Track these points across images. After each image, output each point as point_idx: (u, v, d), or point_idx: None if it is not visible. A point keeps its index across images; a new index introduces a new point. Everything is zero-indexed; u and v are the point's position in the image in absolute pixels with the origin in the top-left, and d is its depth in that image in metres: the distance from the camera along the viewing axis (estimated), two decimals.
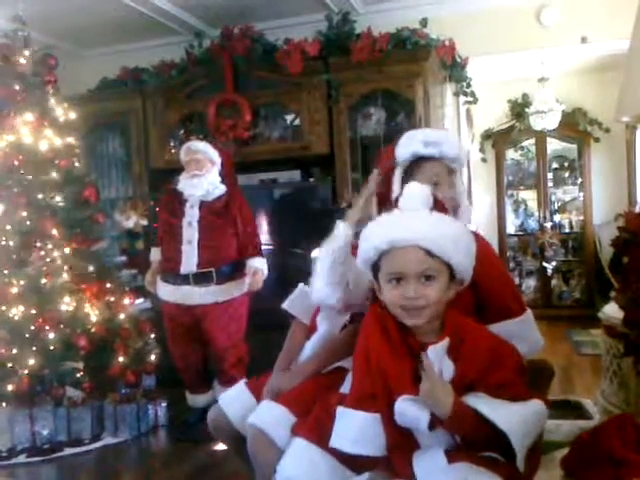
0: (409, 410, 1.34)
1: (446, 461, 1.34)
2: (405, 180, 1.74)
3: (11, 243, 3.46)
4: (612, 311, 2.45)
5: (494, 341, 1.44)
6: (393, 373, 1.40)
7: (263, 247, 3.64)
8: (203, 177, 3.42)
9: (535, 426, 1.33)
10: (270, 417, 1.68)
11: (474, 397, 1.33)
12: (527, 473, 1.36)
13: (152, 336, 3.79)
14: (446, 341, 1.38)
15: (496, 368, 1.36)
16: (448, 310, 1.44)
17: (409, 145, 1.78)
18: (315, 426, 1.56)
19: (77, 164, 3.75)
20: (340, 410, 1.50)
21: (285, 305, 2.07)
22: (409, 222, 1.42)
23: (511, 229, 6.87)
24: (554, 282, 6.67)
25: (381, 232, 1.43)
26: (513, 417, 1.30)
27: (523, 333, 1.62)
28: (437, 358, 1.36)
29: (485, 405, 1.30)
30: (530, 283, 6.73)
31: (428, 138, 1.75)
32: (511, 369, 1.38)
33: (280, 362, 1.98)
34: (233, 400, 1.89)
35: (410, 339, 1.42)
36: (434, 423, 1.33)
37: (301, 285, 2.08)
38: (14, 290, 3.40)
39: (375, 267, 1.46)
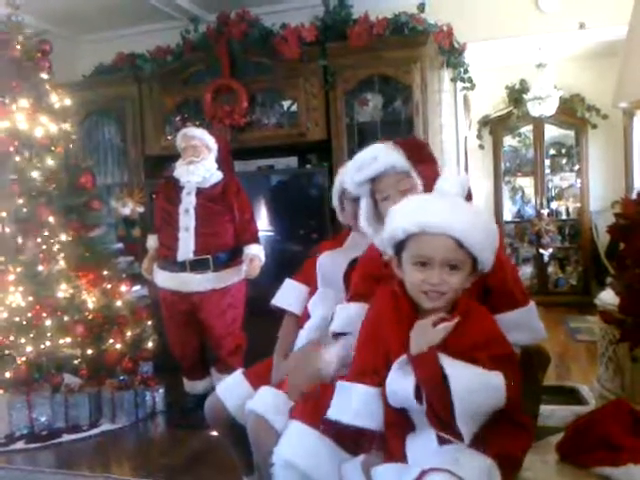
0: (397, 382, 1.36)
1: (437, 443, 1.35)
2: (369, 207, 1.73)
3: (7, 230, 3.45)
4: (608, 297, 2.46)
5: (493, 331, 1.44)
6: (397, 350, 1.40)
7: (260, 234, 3.63)
8: (200, 164, 3.41)
9: (482, 393, 1.32)
10: (269, 403, 1.69)
11: (445, 356, 1.34)
12: (514, 455, 1.38)
13: (149, 323, 3.81)
14: (457, 319, 1.39)
15: (483, 348, 1.37)
16: (460, 297, 1.45)
17: (345, 181, 1.79)
18: (313, 409, 1.57)
19: (73, 150, 3.73)
20: (340, 384, 1.51)
21: (274, 301, 2.09)
22: (443, 209, 1.40)
23: (508, 216, 6.87)
24: (550, 269, 6.69)
25: (413, 214, 1.40)
26: (462, 371, 1.31)
27: (528, 323, 1.62)
28: (441, 328, 1.38)
29: (447, 359, 1.33)
30: (526, 270, 6.74)
31: (357, 163, 1.72)
32: (492, 352, 1.38)
33: (277, 354, 1.99)
34: (230, 389, 1.90)
35: (419, 317, 1.43)
36: (421, 395, 1.33)
37: (288, 280, 2.10)
38: (11, 277, 3.40)
39: (399, 245, 1.45)
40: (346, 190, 1.94)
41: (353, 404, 1.46)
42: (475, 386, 1.31)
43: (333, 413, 1.49)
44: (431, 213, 1.39)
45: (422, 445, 1.37)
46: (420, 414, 1.37)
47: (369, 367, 1.48)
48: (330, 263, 1.96)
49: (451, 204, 1.42)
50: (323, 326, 1.88)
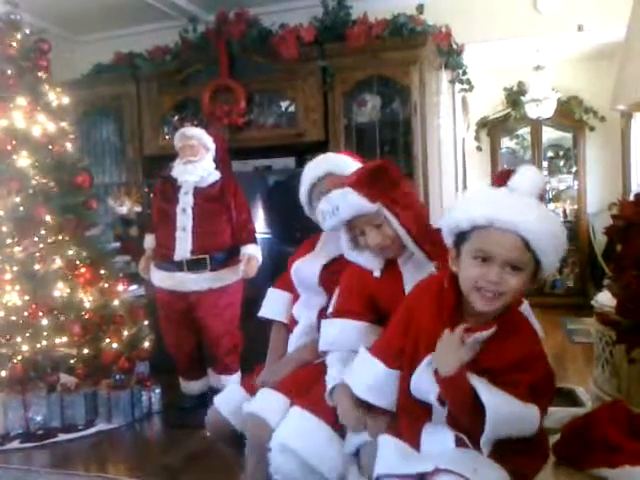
0: (423, 381, 1.35)
1: (454, 443, 1.35)
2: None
3: (4, 229, 3.44)
4: (605, 299, 2.46)
5: (535, 349, 1.39)
6: (428, 341, 1.38)
7: (257, 234, 3.63)
8: (197, 163, 3.41)
9: (518, 425, 1.30)
10: (268, 404, 1.69)
11: (477, 377, 1.30)
12: (529, 472, 1.37)
13: (146, 323, 3.80)
14: (490, 331, 1.32)
15: (518, 370, 1.33)
16: (511, 303, 1.38)
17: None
18: (313, 399, 1.57)
19: (70, 149, 3.72)
20: (363, 353, 1.52)
21: (260, 313, 2.09)
22: (516, 206, 1.31)
23: None
24: None
25: (483, 207, 1.32)
26: (500, 401, 1.28)
27: None
28: (473, 340, 1.32)
29: (481, 383, 1.29)
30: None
31: (320, 214, 1.73)
32: (531, 377, 1.34)
33: (268, 362, 1.99)
34: (228, 400, 1.89)
35: (462, 315, 1.39)
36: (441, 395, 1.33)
37: (271, 289, 2.10)
38: (7, 276, 3.39)
39: (461, 236, 1.37)
40: (314, 189, 1.93)
41: (368, 379, 1.48)
42: (511, 418, 1.28)
43: (347, 377, 1.52)
44: (502, 208, 1.30)
45: (439, 441, 1.37)
46: (438, 408, 1.37)
47: (394, 348, 1.48)
48: (303, 269, 1.96)
49: (524, 202, 1.32)
50: (310, 331, 1.90)
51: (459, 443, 1.35)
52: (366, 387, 1.49)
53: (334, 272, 1.86)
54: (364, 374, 1.50)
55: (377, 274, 1.69)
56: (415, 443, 1.39)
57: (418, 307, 1.47)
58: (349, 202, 1.62)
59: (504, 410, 1.27)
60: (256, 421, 1.67)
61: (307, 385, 1.68)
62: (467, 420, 1.31)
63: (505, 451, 1.32)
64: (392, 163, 1.80)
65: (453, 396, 1.31)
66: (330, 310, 1.78)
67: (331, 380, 1.59)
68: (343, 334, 1.66)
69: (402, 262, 1.68)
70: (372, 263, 1.69)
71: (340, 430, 1.55)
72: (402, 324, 1.50)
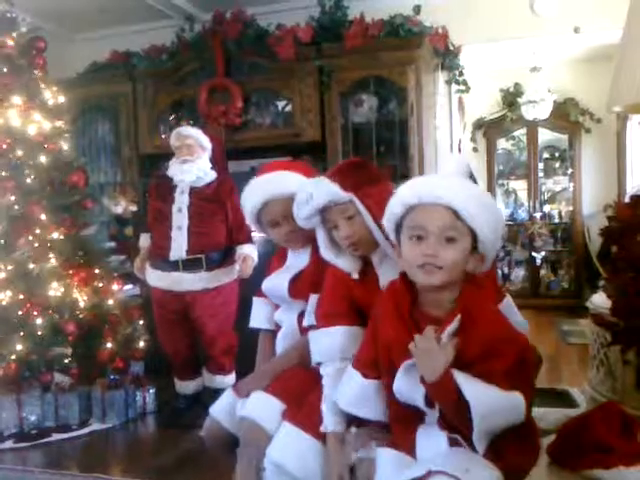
0: (405, 387, 1.35)
1: (447, 444, 1.35)
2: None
3: None
4: (600, 300, 2.47)
5: (504, 329, 1.39)
6: (396, 345, 1.39)
7: (253, 234, 3.62)
8: (193, 163, 3.40)
9: (504, 414, 1.30)
10: (261, 408, 1.68)
11: (460, 373, 1.30)
12: (522, 468, 1.37)
13: (141, 322, 3.79)
14: (456, 322, 1.34)
15: (495, 356, 1.33)
16: (464, 285, 1.40)
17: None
18: (306, 413, 1.56)
19: (66, 148, 3.71)
20: (348, 368, 1.54)
21: (251, 324, 2.10)
22: (441, 182, 1.40)
23: None
24: (543, 272, 6.71)
25: (411, 188, 1.40)
26: (481, 393, 1.28)
27: (509, 317, 1.62)
28: (446, 337, 1.33)
29: (464, 379, 1.29)
30: (519, 273, 6.77)
31: (295, 202, 1.71)
32: (510, 359, 1.33)
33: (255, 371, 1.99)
34: (224, 407, 1.88)
35: (420, 311, 1.41)
36: (431, 400, 1.33)
37: (255, 298, 2.11)
38: (2, 275, 3.38)
39: (399, 226, 1.43)
40: (260, 217, 1.93)
41: (350, 392, 1.49)
42: (496, 408, 1.28)
43: (337, 392, 1.53)
44: (429, 186, 1.38)
45: (432, 443, 1.37)
46: (431, 412, 1.37)
47: (368, 359, 1.49)
48: (272, 287, 1.97)
49: (449, 179, 1.42)
50: (292, 334, 1.91)
51: (453, 443, 1.35)
52: (349, 400, 1.49)
53: (303, 282, 1.88)
54: (347, 387, 1.51)
55: (355, 276, 1.68)
56: (411, 450, 1.39)
57: (381, 316, 1.49)
58: (322, 189, 1.63)
59: (486, 401, 1.27)
60: (250, 425, 1.66)
61: (300, 390, 1.67)
62: (460, 419, 1.31)
63: (497, 447, 1.32)
64: (373, 164, 1.80)
65: (444, 398, 1.30)
66: (312, 317, 1.77)
67: (326, 424, 1.57)
68: (336, 342, 1.64)
69: (377, 263, 1.68)
70: (350, 265, 1.68)
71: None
72: (370, 335, 1.51)
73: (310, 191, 1.64)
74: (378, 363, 1.46)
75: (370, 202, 1.61)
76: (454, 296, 1.39)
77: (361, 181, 1.64)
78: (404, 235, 1.40)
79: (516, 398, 1.30)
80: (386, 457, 1.41)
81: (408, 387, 1.35)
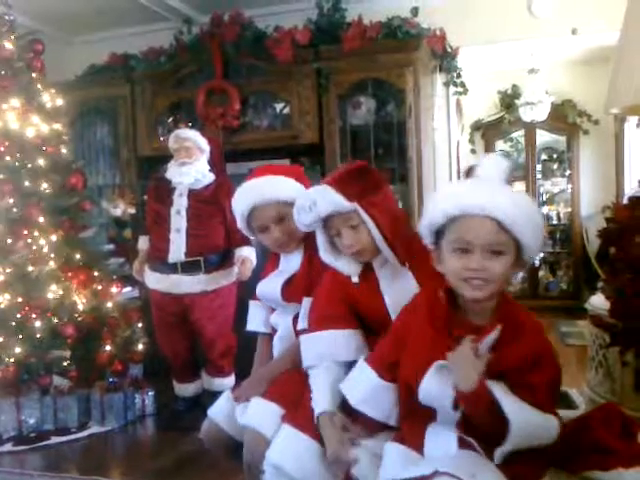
0: (434, 388, 1.34)
1: (457, 445, 1.34)
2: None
3: None
4: (598, 302, 2.47)
5: (543, 343, 1.39)
6: (429, 352, 1.37)
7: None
8: (192, 165, 3.40)
9: (540, 435, 1.30)
10: (262, 415, 1.68)
11: (496, 385, 1.29)
12: (530, 478, 1.37)
13: (140, 325, 3.79)
14: (496, 332, 1.32)
15: (533, 370, 1.32)
16: (504, 293, 1.39)
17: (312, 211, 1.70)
18: (303, 414, 1.56)
19: (64, 151, 3.71)
20: (360, 363, 1.53)
21: (248, 327, 2.10)
22: (484, 191, 1.33)
23: None
24: (541, 273, 6.71)
25: (453, 197, 1.35)
26: (522, 413, 1.27)
27: None
28: (484, 347, 1.31)
29: (502, 393, 1.28)
30: (517, 274, 6.76)
31: (296, 209, 1.69)
32: (546, 377, 1.34)
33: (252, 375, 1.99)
34: (222, 409, 1.88)
35: (459, 319, 1.39)
36: (457, 402, 1.32)
37: (251, 301, 2.11)
38: (0, 278, 3.37)
39: (439, 234, 1.39)
40: (249, 222, 1.93)
41: (364, 390, 1.49)
42: (533, 428, 1.28)
43: (344, 387, 1.52)
44: (472, 195, 1.32)
45: (441, 442, 1.36)
46: (445, 411, 1.36)
47: (387, 362, 1.48)
48: (265, 291, 1.98)
49: (493, 187, 1.35)
50: (288, 337, 1.90)
51: (462, 445, 1.34)
52: (361, 398, 1.49)
53: (296, 286, 1.88)
54: (360, 385, 1.51)
55: (355, 280, 1.68)
56: (419, 446, 1.39)
57: (412, 321, 1.47)
58: (326, 198, 1.61)
59: (525, 419, 1.27)
60: (252, 434, 1.66)
61: (298, 393, 1.67)
62: (487, 428, 1.30)
63: (508, 455, 1.31)
64: (374, 168, 1.79)
65: (476, 408, 1.29)
66: (306, 320, 1.76)
67: (315, 407, 1.56)
68: (328, 346, 1.64)
69: (378, 267, 1.67)
70: (349, 268, 1.67)
71: None
72: (396, 340, 1.50)
73: (313, 198, 1.63)
74: (396, 367, 1.45)
75: (374, 211, 1.60)
76: (494, 304, 1.38)
77: (365, 189, 1.62)
78: (447, 246, 1.37)
79: (552, 421, 1.31)
80: (394, 451, 1.41)
81: (436, 388, 1.33)
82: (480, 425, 1.32)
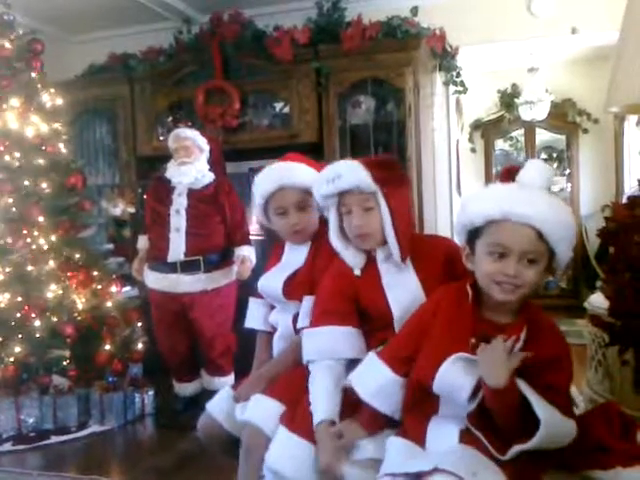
0: (452, 376, 1.35)
1: (458, 439, 1.35)
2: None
3: None
4: (598, 301, 2.47)
5: (563, 345, 1.43)
6: (452, 347, 1.38)
7: (252, 236, 3.62)
8: (191, 164, 3.40)
9: (561, 436, 1.33)
10: (263, 412, 1.67)
11: (524, 384, 1.32)
12: (531, 476, 1.37)
13: (139, 324, 3.79)
14: (524, 334, 1.35)
15: (553, 370, 1.35)
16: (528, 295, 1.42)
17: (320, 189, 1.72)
18: (301, 418, 1.56)
19: (64, 150, 3.71)
20: (372, 356, 1.54)
21: (246, 324, 2.09)
22: (529, 198, 1.34)
23: None
24: None
25: (496, 201, 1.35)
26: (553, 418, 1.30)
27: None
28: (517, 346, 1.34)
29: (531, 392, 1.31)
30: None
31: (322, 177, 1.69)
32: (565, 378, 1.38)
33: (253, 372, 1.98)
34: (221, 405, 1.88)
35: (483, 316, 1.41)
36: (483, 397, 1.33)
37: (251, 298, 2.10)
38: (0, 277, 3.37)
39: (473, 233, 1.41)
40: (268, 204, 1.93)
41: (375, 384, 1.49)
42: (559, 431, 1.31)
43: (354, 380, 1.52)
44: (516, 201, 1.33)
45: (443, 435, 1.37)
46: (451, 403, 1.37)
47: (402, 356, 1.49)
48: (267, 286, 1.97)
49: (535, 194, 1.36)
50: (287, 335, 1.90)
51: (463, 439, 1.35)
52: (373, 392, 1.49)
53: (298, 283, 1.87)
54: (371, 379, 1.51)
55: (357, 272, 1.69)
56: (421, 439, 1.40)
57: (437, 313, 1.48)
58: (353, 172, 1.62)
59: (554, 422, 1.29)
60: (251, 429, 1.66)
61: (299, 391, 1.67)
62: (506, 424, 1.32)
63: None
64: (402, 167, 1.81)
65: (501, 405, 1.31)
66: (306, 319, 1.76)
67: (314, 414, 1.56)
68: (329, 342, 1.64)
69: (380, 261, 1.68)
70: (354, 260, 1.69)
71: None
72: (413, 335, 1.50)
73: (339, 171, 1.64)
74: (410, 361, 1.46)
75: (393, 203, 1.62)
76: (518, 305, 1.40)
77: (389, 179, 1.65)
78: (482, 247, 1.38)
79: (572, 423, 1.34)
80: (396, 444, 1.41)
81: (455, 377, 1.34)
82: (501, 421, 1.33)
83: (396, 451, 1.40)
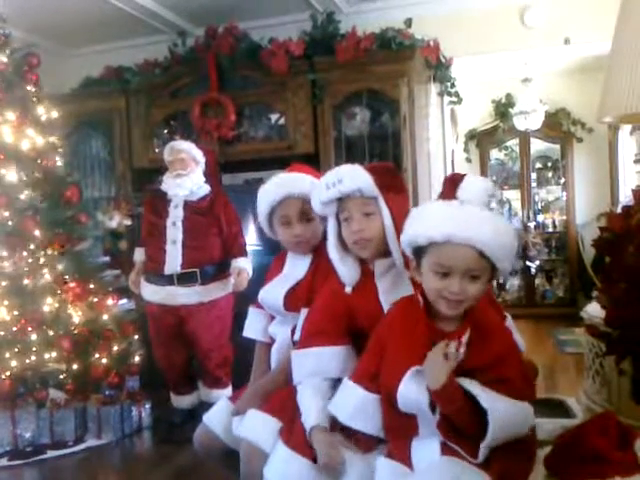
0: (411, 391, 1.37)
1: (439, 453, 1.36)
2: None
3: None
4: (594, 310, 2.47)
5: (509, 342, 1.48)
6: (407, 359, 1.40)
7: (248, 247, 3.62)
8: (187, 177, 3.41)
9: (517, 423, 1.35)
10: (260, 428, 1.66)
11: (468, 381, 1.35)
12: (516, 477, 1.38)
13: (136, 337, 3.77)
14: (467, 335, 1.39)
15: (501, 365, 1.39)
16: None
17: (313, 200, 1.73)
18: (299, 434, 1.56)
19: (59, 163, 3.71)
20: (345, 381, 1.54)
21: (245, 333, 2.09)
22: (469, 219, 1.37)
23: None
24: (537, 281, 6.72)
25: (438, 223, 1.38)
26: (498, 403, 1.32)
27: None
28: (452, 348, 1.36)
29: (474, 387, 1.34)
30: (514, 282, 6.78)
31: (322, 183, 1.67)
32: (514, 369, 1.41)
33: (251, 385, 1.97)
34: (218, 417, 1.87)
35: (432, 326, 1.44)
36: (435, 405, 1.35)
37: (251, 308, 2.10)
38: None
39: (419, 249, 1.43)
40: (273, 214, 1.93)
41: (350, 406, 1.49)
42: (511, 417, 1.33)
43: (332, 407, 1.53)
44: (457, 224, 1.36)
45: (426, 452, 1.39)
46: (426, 420, 1.38)
47: (371, 373, 1.50)
48: (268, 297, 1.97)
49: (476, 216, 1.39)
50: (286, 346, 1.89)
51: (445, 451, 1.36)
52: (350, 414, 1.49)
53: (299, 295, 1.87)
54: (346, 401, 1.51)
55: (349, 290, 1.68)
56: (407, 459, 1.40)
57: (392, 327, 1.50)
58: (355, 176, 1.62)
59: (503, 410, 1.32)
60: (249, 447, 1.64)
61: (295, 406, 1.66)
62: (467, 426, 1.34)
63: (491, 455, 1.33)
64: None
65: (449, 405, 1.33)
66: (299, 333, 1.76)
67: (305, 423, 1.56)
68: (316, 363, 1.63)
69: (378, 275, 1.67)
70: (349, 273, 1.67)
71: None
72: (376, 351, 1.52)
73: (340, 176, 1.63)
74: (378, 378, 1.47)
75: (395, 209, 1.62)
76: (462, 313, 1.44)
77: (391, 185, 1.65)
78: (427, 265, 1.42)
79: (528, 408, 1.37)
80: (385, 467, 1.41)
81: (414, 392, 1.37)
82: (460, 424, 1.35)
83: (385, 473, 1.40)
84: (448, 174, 1.56)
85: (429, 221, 1.41)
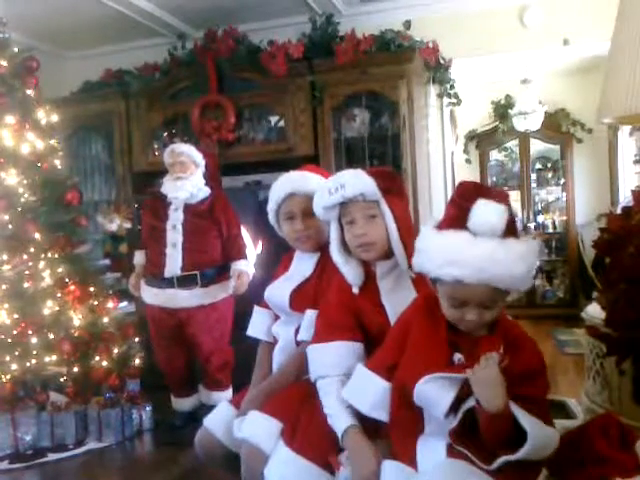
0: (432, 390, 1.34)
1: (445, 454, 1.36)
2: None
3: None
4: (594, 311, 2.46)
5: (539, 358, 1.45)
6: (428, 357, 1.40)
7: (248, 250, 3.62)
8: (187, 180, 3.41)
9: (547, 446, 1.36)
10: (261, 430, 1.66)
11: (513, 404, 1.33)
12: None
13: (136, 340, 3.78)
14: (501, 349, 1.37)
15: (530, 382, 1.37)
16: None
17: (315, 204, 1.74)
18: (301, 436, 1.56)
19: (60, 167, 3.71)
20: (360, 369, 1.54)
21: (248, 332, 2.09)
22: (482, 257, 1.30)
23: None
24: (538, 282, 6.71)
25: (448, 263, 1.33)
26: (539, 430, 1.32)
27: None
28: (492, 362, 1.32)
29: (520, 410, 1.32)
30: None
31: (325, 188, 1.68)
32: (541, 390, 1.41)
33: (253, 384, 1.97)
34: (219, 419, 1.87)
35: (456, 328, 1.43)
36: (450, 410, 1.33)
37: (256, 307, 2.11)
38: None
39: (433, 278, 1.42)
40: (279, 210, 1.96)
41: (370, 396, 1.49)
42: (544, 442, 1.34)
43: (349, 396, 1.51)
44: (469, 263, 1.30)
45: (432, 452, 1.38)
46: (433, 418, 1.37)
47: (389, 362, 1.50)
48: (274, 294, 1.98)
49: (488, 251, 1.31)
50: (289, 347, 1.90)
51: (451, 453, 1.35)
52: (371, 405, 1.49)
53: (305, 295, 1.88)
54: (367, 392, 1.50)
55: (355, 290, 1.68)
56: (412, 460, 1.40)
57: (414, 323, 1.49)
58: (358, 180, 1.63)
59: (540, 435, 1.32)
60: (249, 449, 1.65)
61: (297, 408, 1.66)
62: (495, 441, 1.33)
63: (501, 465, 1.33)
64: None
65: (499, 427, 1.31)
66: (306, 332, 1.76)
67: (337, 423, 1.54)
68: (336, 358, 1.62)
69: (380, 277, 1.68)
70: (354, 275, 1.67)
71: (329, 468, 1.54)
72: (398, 341, 1.51)
73: (343, 181, 1.64)
74: (395, 369, 1.48)
75: (397, 212, 1.63)
76: (489, 325, 1.42)
77: (393, 188, 1.66)
78: (442, 292, 1.40)
79: (556, 436, 1.37)
80: (391, 469, 1.41)
81: (435, 393, 1.34)
82: (489, 438, 1.33)
83: (391, 474, 1.40)
84: (457, 188, 1.44)
85: (437, 259, 1.36)
